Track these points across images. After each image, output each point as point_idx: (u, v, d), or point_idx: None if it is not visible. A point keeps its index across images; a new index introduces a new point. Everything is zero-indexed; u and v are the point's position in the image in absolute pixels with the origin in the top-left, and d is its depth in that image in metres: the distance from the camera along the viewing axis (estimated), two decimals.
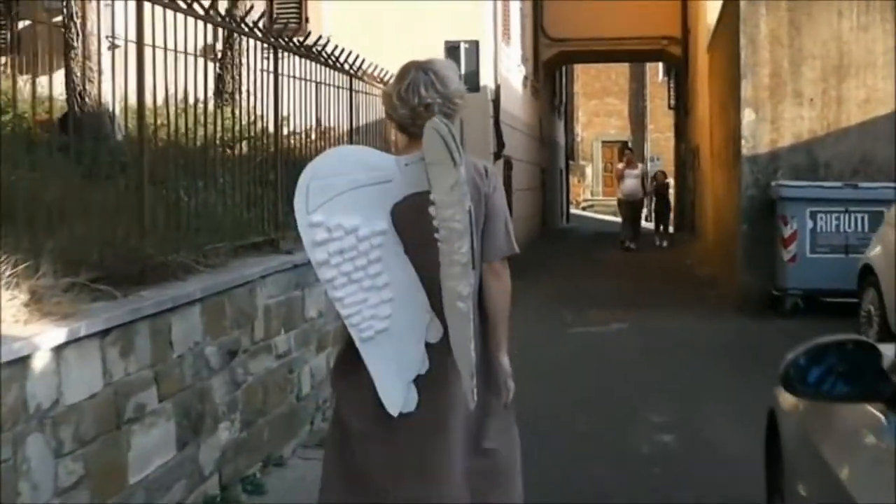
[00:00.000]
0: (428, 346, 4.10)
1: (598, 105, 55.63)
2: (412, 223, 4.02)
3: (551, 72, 34.74)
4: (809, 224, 13.66)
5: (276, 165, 8.51)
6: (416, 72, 4.12)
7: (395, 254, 4.07)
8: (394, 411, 4.07)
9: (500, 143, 20.64)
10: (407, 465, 4.16)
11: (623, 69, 54.28)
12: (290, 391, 7.74)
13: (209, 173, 7.49)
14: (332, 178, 4.00)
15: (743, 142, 14.49)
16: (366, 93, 11.35)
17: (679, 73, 33.37)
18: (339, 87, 10.27)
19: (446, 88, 4.10)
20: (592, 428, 8.52)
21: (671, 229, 30.06)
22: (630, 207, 26.48)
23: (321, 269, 4.02)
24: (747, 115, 14.49)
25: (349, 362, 4.18)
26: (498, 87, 20.52)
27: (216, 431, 6.34)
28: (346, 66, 10.41)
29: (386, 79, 12.21)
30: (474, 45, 17.68)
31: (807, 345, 3.47)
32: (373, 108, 11.49)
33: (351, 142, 10.51)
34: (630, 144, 27.41)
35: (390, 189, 4.04)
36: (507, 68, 22.43)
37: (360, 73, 10.98)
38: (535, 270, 20.64)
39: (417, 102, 4.07)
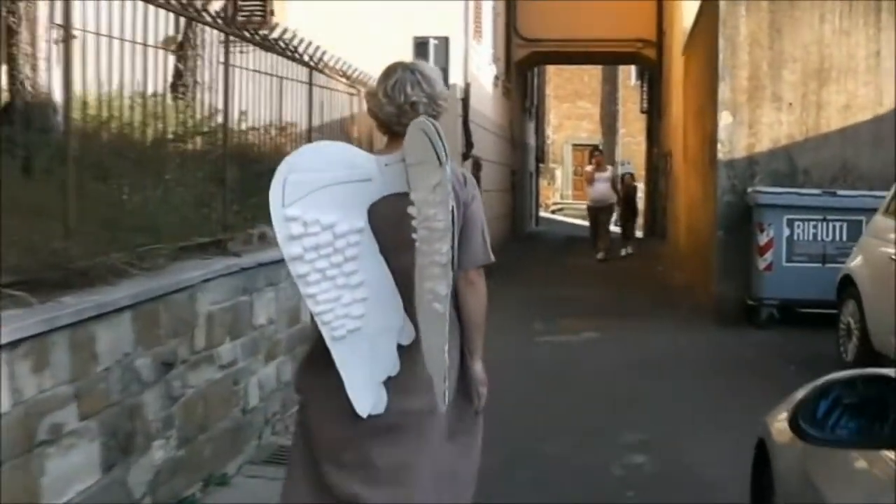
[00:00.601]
0: (399, 348, 4.07)
1: (570, 108, 55.35)
2: (389, 224, 4.01)
3: (523, 72, 34.32)
4: (786, 232, 13.23)
5: (225, 162, 7.93)
6: (402, 71, 4.15)
7: (372, 253, 4.04)
8: (363, 413, 4.02)
9: (469, 143, 20.16)
10: (374, 468, 4.13)
11: (595, 72, 54.04)
12: (236, 404, 7.21)
13: (154, 170, 6.95)
14: (310, 173, 3.97)
15: (719, 146, 14.03)
16: (327, 87, 10.81)
17: (652, 76, 33.12)
18: (297, 81, 9.74)
19: (432, 89, 4.13)
20: (562, 448, 8.00)
21: (638, 234, 29.29)
22: (600, 214, 24.29)
23: (294, 264, 3.94)
24: (724, 119, 14.02)
25: (317, 363, 4.13)
26: (468, 86, 20.01)
27: (149, 451, 5.79)
28: (306, 58, 9.86)
29: (350, 73, 11.77)
30: (444, 42, 17.20)
31: (817, 384, 2.90)
32: (335, 104, 10.99)
33: (310, 139, 10.01)
34: (601, 147, 27.00)
35: (369, 188, 4.02)
36: (477, 67, 21.93)
37: (320, 66, 10.43)
38: (504, 275, 20.00)
39: (404, 100, 4.08)
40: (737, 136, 13.98)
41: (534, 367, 11.03)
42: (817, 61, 13.97)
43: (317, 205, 3.93)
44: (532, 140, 39.93)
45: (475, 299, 4.23)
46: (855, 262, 10.64)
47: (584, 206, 27.40)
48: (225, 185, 7.83)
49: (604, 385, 10.23)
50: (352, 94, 12.15)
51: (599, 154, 25.91)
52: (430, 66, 4.33)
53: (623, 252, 24.75)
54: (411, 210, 3.89)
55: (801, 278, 13.07)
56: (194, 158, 7.87)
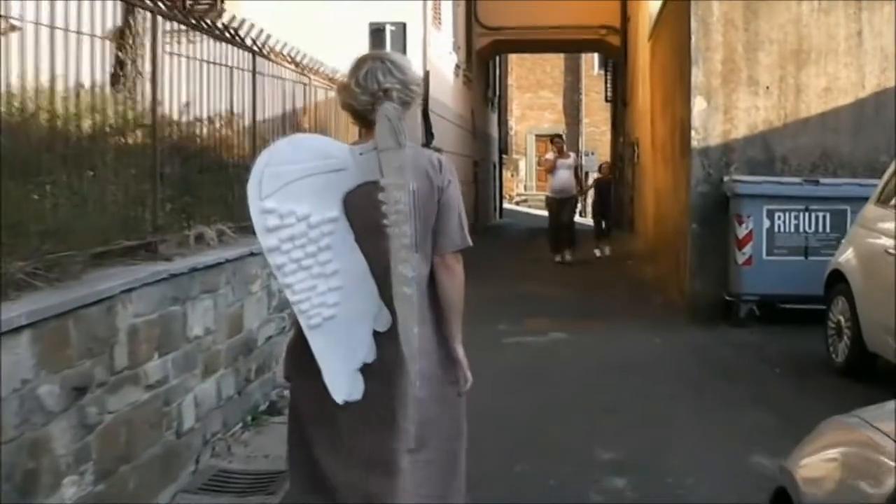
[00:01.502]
0: (376, 335, 4.12)
1: (533, 98, 54.84)
2: (364, 212, 4.05)
3: (485, 62, 33.66)
4: (766, 223, 12.50)
5: (156, 157, 7.12)
6: (373, 61, 4.19)
7: (346, 242, 4.10)
8: (339, 399, 4.07)
9: (429, 134, 19.36)
10: (354, 455, 4.19)
11: (558, 61, 53.65)
12: (167, 427, 6.42)
13: (80, 166, 6.13)
14: (286, 166, 4.04)
15: (693, 133, 13.30)
16: (275, 76, 10.00)
17: (617, 64, 32.62)
18: (241, 69, 8.94)
19: (404, 75, 4.16)
20: (534, 468, 7.22)
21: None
22: (564, 206, 21.07)
23: (272, 255, 4.04)
24: (697, 104, 13.29)
25: (301, 349, 4.19)
26: (427, 74, 19.18)
27: (58, 489, 4.97)
28: (249, 43, 9.04)
29: (299, 59, 10.95)
30: (401, 28, 16.41)
31: None
32: (285, 93, 10.22)
33: (254, 132, 9.36)
34: (564, 136, 26.56)
35: (344, 177, 4.09)
36: (437, 55, 21.16)
37: (265, 52, 9.60)
38: (467, 271, 19.37)
39: (377, 88, 4.10)
40: (711, 123, 13.26)
41: (500, 372, 10.23)
42: (795, 42, 13.26)
43: (292, 196, 4.01)
44: (494, 131, 39.36)
45: (452, 283, 4.29)
46: (845, 256, 9.91)
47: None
48: (160, 181, 7.13)
49: (575, 393, 9.45)
50: (303, 84, 11.32)
51: (560, 141, 22.79)
52: (401, 55, 4.39)
53: (597, 253, 22.30)
54: (381, 196, 3.93)
55: (783, 272, 12.39)
56: (126, 153, 7.08)
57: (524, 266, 20.35)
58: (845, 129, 13.19)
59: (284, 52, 10.48)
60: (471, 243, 4.34)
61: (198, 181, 8.26)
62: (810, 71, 13.28)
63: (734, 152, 13.28)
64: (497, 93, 40.39)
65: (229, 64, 8.74)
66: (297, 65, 10.99)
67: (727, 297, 12.79)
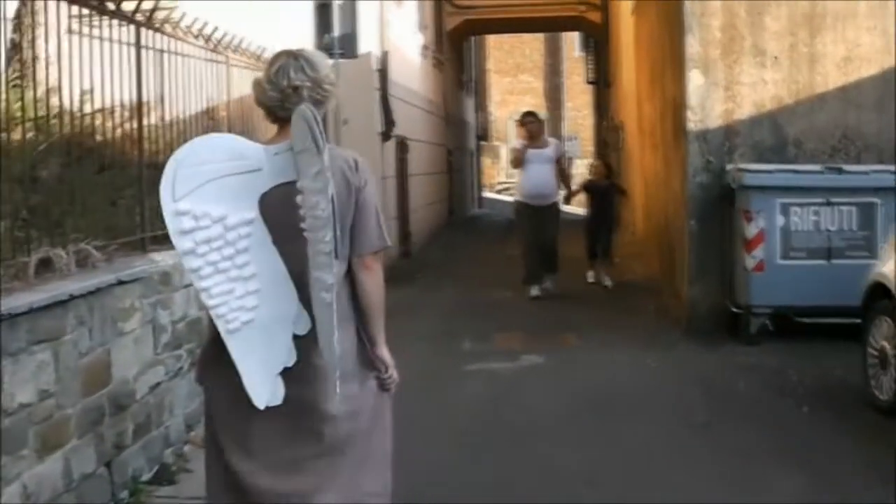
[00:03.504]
0: (296, 338, 4.10)
1: (512, 82, 54.36)
2: (280, 213, 4.03)
3: (458, 44, 31.80)
4: (780, 221, 10.47)
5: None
6: (286, 57, 4.20)
7: (263, 244, 4.08)
8: (260, 404, 4.07)
9: (390, 121, 17.30)
10: (275, 459, 4.15)
11: (538, 44, 53.26)
12: None
13: None
14: (200, 166, 4.01)
15: (688, 113, 11.26)
16: (169, 51, 8.01)
17: (598, 43, 30.91)
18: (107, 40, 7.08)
19: (316, 73, 4.16)
20: None
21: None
22: (539, 218, 14.42)
23: (187, 258, 4.01)
24: (694, 79, 11.25)
25: (217, 353, 4.14)
26: (385, 55, 17.16)
27: None
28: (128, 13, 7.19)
29: (210, 35, 8.99)
30: (350, 5, 14.27)
31: None
32: (193, 75, 8.37)
33: (140, 119, 7.60)
34: (535, 113, 15.78)
35: (259, 178, 4.06)
36: (398, 34, 19.05)
37: (153, 23, 7.60)
38: (434, 273, 17.46)
39: (286, 84, 4.13)
40: (710, 101, 11.23)
41: (455, 419, 8.23)
42: (807, 4, 11.25)
43: (207, 198, 3.99)
44: (471, 117, 37.59)
45: (373, 283, 4.26)
46: (889, 266, 7.84)
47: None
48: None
49: (546, 454, 7.37)
50: (219, 65, 9.31)
51: (533, 120, 15.00)
52: (317, 53, 4.41)
53: (591, 278, 15.81)
54: (298, 198, 3.92)
55: (801, 279, 10.45)
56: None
57: (499, 265, 17.98)
58: (869, 105, 11.17)
59: (187, 26, 8.49)
60: (389, 243, 4.31)
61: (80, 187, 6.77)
62: (826, 37, 11.23)
63: (738, 135, 11.26)
64: (473, 77, 38.52)
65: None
66: (207, 40, 8.94)
67: (734, 309, 10.76)
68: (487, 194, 42.55)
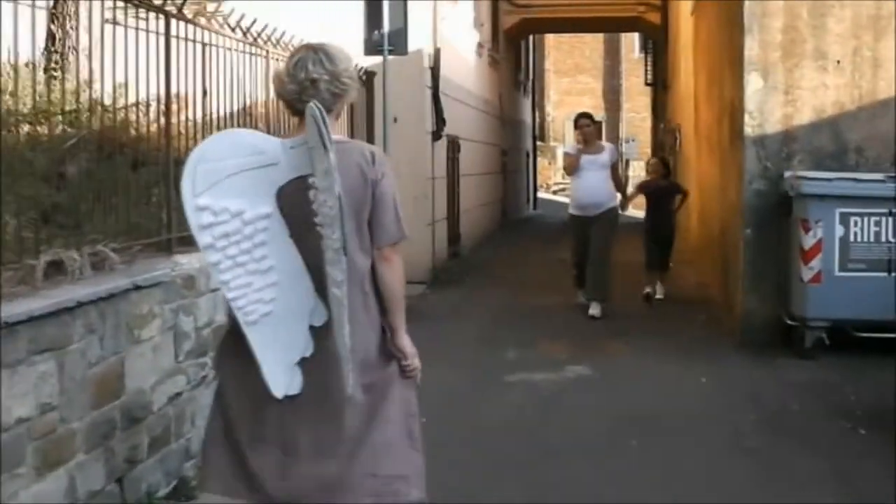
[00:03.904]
0: (313, 329, 4.16)
1: (571, 83, 54.03)
2: (297, 207, 4.07)
3: (515, 43, 31.37)
4: (840, 231, 10.00)
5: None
6: (306, 51, 4.24)
7: (281, 237, 4.12)
8: (278, 394, 4.12)
9: (441, 120, 16.93)
10: (295, 447, 4.18)
11: (597, 45, 52.91)
12: None
13: None
14: (219, 162, 4.05)
15: (746, 117, 10.82)
16: (203, 42, 7.70)
17: (657, 44, 30.47)
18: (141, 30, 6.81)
19: (334, 66, 4.19)
20: None
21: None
22: (593, 230, 13.14)
23: (207, 252, 4.06)
24: (752, 83, 10.82)
25: (235, 343, 4.21)
26: (437, 53, 16.79)
27: None
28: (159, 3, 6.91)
29: (249, 28, 8.70)
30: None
31: None
32: (229, 70, 8.08)
33: (168, 113, 7.18)
34: (592, 116, 14.24)
35: (276, 172, 4.10)
36: (452, 32, 18.68)
37: (180, 12, 7.29)
38: (482, 276, 17.09)
39: (304, 77, 4.15)
40: (769, 105, 10.79)
41: (492, 437, 7.85)
42: (872, 5, 10.78)
43: (225, 193, 4.03)
44: (528, 117, 37.11)
45: (392, 275, 4.30)
46: None
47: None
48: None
49: (590, 465, 7.04)
50: (259, 58, 9.00)
51: (588, 122, 13.65)
52: (338, 48, 4.34)
53: (648, 291, 14.39)
54: (311, 193, 3.97)
55: (860, 292, 9.95)
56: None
57: (549, 268, 17.51)
58: None
59: (223, 18, 8.22)
60: (408, 235, 4.37)
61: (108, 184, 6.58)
62: (891, 41, 10.74)
63: (797, 141, 10.80)
64: (531, 76, 38.05)
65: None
66: (245, 33, 8.63)
67: (789, 322, 10.30)
68: (543, 195, 42.06)
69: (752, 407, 8.53)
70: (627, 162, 46.06)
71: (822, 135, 10.79)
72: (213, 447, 4.40)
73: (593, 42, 52.23)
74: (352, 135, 12.20)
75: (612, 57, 52.84)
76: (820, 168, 10.57)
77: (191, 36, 7.44)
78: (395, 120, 15.06)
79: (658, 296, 14.30)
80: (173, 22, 7.09)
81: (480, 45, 23.23)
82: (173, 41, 7.09)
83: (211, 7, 12.49)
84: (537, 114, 42.27)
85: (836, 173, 10.29)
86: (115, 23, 6.49)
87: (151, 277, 6.22)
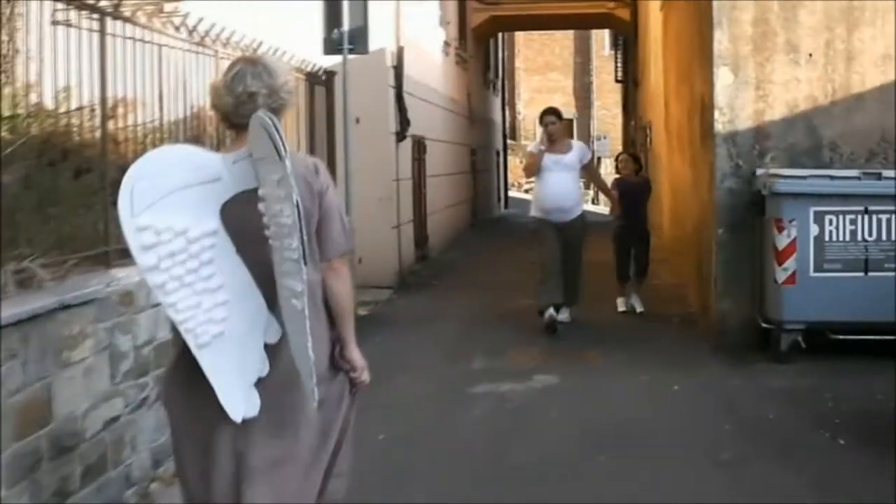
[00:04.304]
0: (267, 347, 4.06)
1: (541, 81, 53.79)
2: (243, 222, 3.99)
3: (483, 41, 30.99)
4: (814, 230, 9.65)
5: None
6: (244, 64, 4.20)
7: (228, 254, 4.03)
8: (237, 418, 3.99)
9: (404, 120, 16.52)
10: (250, 468, 4.08)
11: (567, 42, 52.69)
12: None
13: None
14: (158, 179, 3.93)
15: (717, 114, 10.47)
16: (138, 40, 7.32)
17: (627, 40, 30.11)
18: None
19: (273, 80, 4.14)
20: None
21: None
22: (560, 237, 11.86)
23: (150, 274, 3.92)
24: (722, 77, 10.47)
25: (184, 370, 4.07)
26: (401, 51, 16.37)
27: None
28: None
29: (191, 24, 8.31)
30: None
31: None
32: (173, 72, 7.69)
33: (104, 116, 6.82)
34: (560, 111, 12.55)
35: (219, 188, 4.01)
36: (416, 30, 18.27)
37: (116, 9, 6.90)
38: (450, 279, 16.70)
39: (241, 90, 4.10)
40: (740, 101, 10.45)
41: (455, 449, 7.48)
42: None
43: (167, 211, 3.91)
44: (498, 116, 36.74)
45: (341, 287, 4.27)
46: None
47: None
48: None
49: (557, 486, 6.67)
50: (204, 56, 8.60)
51: (554, 119, 12.17)
52: (276, 59, 4.73)
53: (622, 306, 13.26)
54: (260, 206, 3.89)
55: (836, 293, 9.61)
56: None
57: (520, 269, 16.91)
58: None
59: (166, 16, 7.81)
60: (354, 247, 4.71)
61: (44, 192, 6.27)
62: (864, 33, 10.42)
63: (769, 138, 10.46)
64: (500, 75, 37.66)
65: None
66: (190, 33, 8.23)
67: (764, 325, 9.95)
68: (514, 194, 41.73)
69: (726, 416, 8.16)
70: (599, 159, 45.85)
71: (796, 131, 10.45)
72: (179, 467, 4.33)
73: (564, 39, 51.93)
74: (312, 137, 11.84)
75: (583, 54, 52.53)
76: (793, 165, 10.23)
77: (136, 38, 7.10)
78: (358, 121, 14.70)
79: (639, 309, 12.98)
80: (112, 22, 6.74)
81: (447, 44, 22.84)
82: (110, 41, 6.74)
83: (169, 7, 12.21)
84: (508, 112, 41.88)
85: (810, 170, 9.94)
86: (56, 23, 6.24)
87: (83, 295, 5.83)
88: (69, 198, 6.51)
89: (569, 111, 51.46)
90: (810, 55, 10.45)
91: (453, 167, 23.73)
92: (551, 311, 11.61)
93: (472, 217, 27.16)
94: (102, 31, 6.64)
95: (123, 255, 6.74)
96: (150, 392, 6.65)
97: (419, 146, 18.62)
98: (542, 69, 53.23)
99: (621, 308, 13.09)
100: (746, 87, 10.45)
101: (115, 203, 6.82)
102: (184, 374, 4.09)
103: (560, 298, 11.85)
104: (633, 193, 13.20)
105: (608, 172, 43.21)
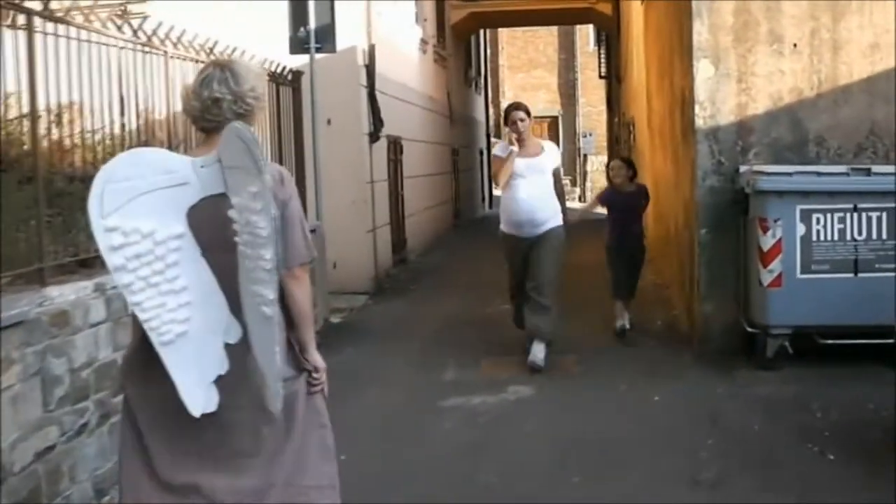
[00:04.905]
0: (228, 346, 4.13)
1: (526, 78, 52.91)
2: (209, 226, 4.05)
3: (464, 38, 30.53)
4: (801, 229, 9.14)
5: None
6: (213, 68, 4.26)
7: (193, 257, 4.10)
8: (196, 413, 4.07)
9: (378, 120, 16.03)
10: (213, 461, 4.18)
11: (551, 39, 51.92)
12: None
13: None
14: (127, 181, 4.01)
15: (697, 108, 10.00)
16: (77, 39, 6.88)
17: (610, 36, 29.72)
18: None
19: (239, 86, 4.19)
20: None
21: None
22: (530, 254, 10.15)
23: (118, 274, 4.02)
24: (703, 70, 9.99)
25: (144, 362, 4.15)
26: (372, 49, 15.89)
27: None
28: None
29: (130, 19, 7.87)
30: None
31: None
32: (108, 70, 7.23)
33: (34, 120, 6.38)
34: (524, 107, 10.32)
35: (186, 192, 4.07)
36: (389, 28, 17.79)
37: (46, 8, 6.46)
38: (428, 284, 16.25)
39: (207, 95, 4.17)
40: (721, 95, 9.97)
41: (419, 471, 7.01)
42: None
43: (135, 213, 3.99)
44: (481, 114, 36.33)
45: (301, 293, 4.32)
46: None
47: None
48: None
49: None
50: (151, 55, 8.14)
51: (524, 115, 10.34)
52: (248, 65, 4.40)
53: (620, 324, 11.44)
54: (232, 213, 3.95)
55: (824, 296, 9.09)
56: None
57: (502, 271, 16.44)
58: None
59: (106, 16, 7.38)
60: (315, 255, 4.42)
61: None
62: (851, 22, 9.93)
63: (753, 133, 9.97)
64: (483, 72, 37.17)
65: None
66: (135, 32, 7.78)
67: (749, 329, 9.48)
68: (499, 193, 41.27)
69: (708, 429, 7.67)
70: (585, 157, 45.47)
71: (780, 125, 9.96)
72: (125, 462, 4.33)
73: (548, 36, 51.33)
74: (279, 140, 11.43)
75: (567, 51, 51.90)
76: (778, 161, 9.75)
77: (70, 36, 6.65)
78: (329, 122, 14.30)
79: (626, 325, 11.43)
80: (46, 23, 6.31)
81: (424, 42, 22.38)
82: (40, 42, 6.29)
83: (136, 9, 11.78)
84: (492, 110, 41.41)
85: (796, 167, 9.43)
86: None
87: (8, 317, 5.38)
88: (3, 212, 6.06)
89: (554, 108, 51.35)
90: (795, 45, 9.95)
91: (433, 167, 23.27)
92: (538, 351, 9.91)
93: (454, 218, 26.71)
94: (30, 31, 6.19)
95: (62, 272, 6.33)
96: (92, 417, 6.22)
97: (395, 147, 18.15)
98: (526, 66, 52.55)
99: (619, 327, 11.37)
100: (728, 80, 9.98)
101: (50, 216, 6.50)
102: (146, 366, 4.15)
103: (532, 331, 10.08)
104: (625, 206, 11.37)
105: (595, 170, 42.95)
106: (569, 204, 11.32)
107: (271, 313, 3.95)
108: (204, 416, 4.10)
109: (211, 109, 4.17)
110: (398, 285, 16.08)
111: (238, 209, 3.95)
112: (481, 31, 35.58)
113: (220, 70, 4.22)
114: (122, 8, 11.84)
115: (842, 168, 9.33)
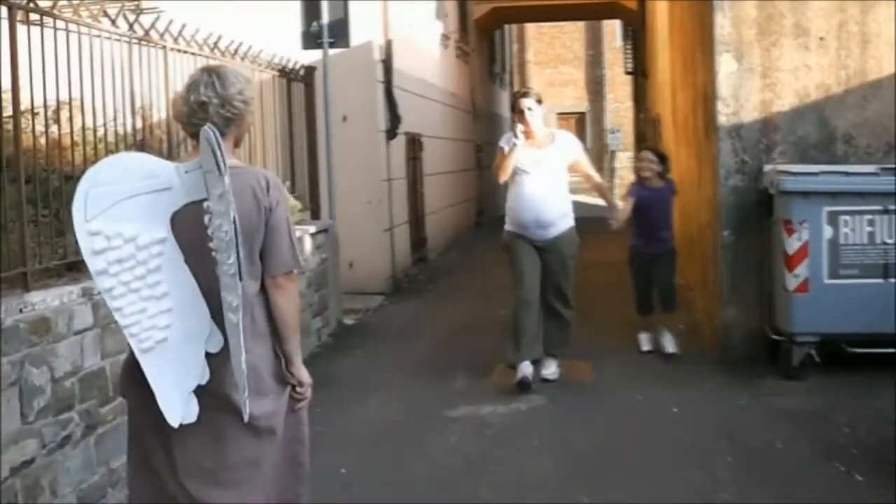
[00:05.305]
0: (209, 356, 4.10)
1: (553, 74, 52.47)
2: (191, 232, 4.06)
3: (487, 34, 30.20)
4: (828, 232, 8.79)
5: None
6: (201, 73, 4.27)
7: (175, 263, 4.08)
8: (174, 423, 4.06)
9: (395, 117, 15.71)
10: (195, 471, 4.17)
11: (579, 34, 51.73)
12: None
13: None
14: (111, 186, 4.00)
15: (719, 105, 9.65)
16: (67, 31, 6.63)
17: (636, 31, 29.26)
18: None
19: (225, 90, 4.18)
20: None
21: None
22: (541, 261, 9.37)
23: (100, 278, 4.00)
24: (725, 65, 9.64)
25: (136, 369, 4.11)
26: (389, 45, 15.56)
27: None
28: None
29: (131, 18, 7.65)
30: None
31: None
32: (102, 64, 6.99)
33: (17, 117, 6.03)
34: (530, 92, 9.42)
35: (170, 197, 4.06)
36: (408, 23, 17.47)
37: (30, 2, 6.19)
38: (446, 284, 15.93)
39: (194, 100, 4.17)
40: (745, 91, 9.62)
41: (424, 485, 6.69)
42: None
43: (118, 217, 3.98)
44: (506, 110, 35.89)
45: (286, 304, 4.27)
46: None
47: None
48: None
49: None
50: (149, 48, 7.89)
51: (530, 104, 9.38)
52: (235, 70, 4.37)
53: (644, 344, 10.53)
54: (206, 219, 3.98)
55: (853, 302, 8.73)
56: None
57: None
58: None
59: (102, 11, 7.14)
60: (302, 264, 4.54)
61: None
62: (880, 14, 9.58)
63: (777, 131, 9.64)
64: (507, 68, 36.83)
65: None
66: (131, 26, 7.51)
67: (774, 337, 9.11)
68: None
69: (728, 445, 7.28)
70: (613, 154, 45.06)
71: (806, 122, 9.62)
72: (134, 471, 4.35)
73: (575, 32, 51.07)
74: (290, 138, 11.17)
75: (595, 46, 51.69)
76: (804, 160, 9.44)
77: (58, 28, 6.39)
78: (345, 119, 14.01)
79: (669, 350, 10.16)
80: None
81: (446, 37, 22.05)
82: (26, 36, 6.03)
83: (149, 5, 11.54)
84: None
85: (823, 166, 9.10)
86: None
87: None
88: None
89: (581, 104, 51.14)
90: (821, 39, 9.61)
91: (455, 164, 22.94)
92: (527, 366, 9.08)
93: (477, 215, 26.37)
94: (12, 24, 5.90)
95: (45, 276, 6.08)
96: (76, 428, 5.93)
97: (414, 143, 17.81)
98: (553, 62, 52.34)
99: (645, 347, 10.44)
100: (751, 76, 9.62)
101: (36, 217, 6.24)
102: (137, 372, 4.11)
103: (540, 351, 9.30)
104: (653, 205, 10.18)
105: (622, 167, 42.49)
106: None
107: (236, 320, 3.93)
108: (184, 427, 4.08)
109: (198, 113, 4.16)
110: (416, 285, 15.77)
111: (210, 213, 3.97)
112: (506, 27, 35.25)
113: (207, 74, 4.23)
114: (136, 3, 11.65)
115: (871, 168, 8.98)
